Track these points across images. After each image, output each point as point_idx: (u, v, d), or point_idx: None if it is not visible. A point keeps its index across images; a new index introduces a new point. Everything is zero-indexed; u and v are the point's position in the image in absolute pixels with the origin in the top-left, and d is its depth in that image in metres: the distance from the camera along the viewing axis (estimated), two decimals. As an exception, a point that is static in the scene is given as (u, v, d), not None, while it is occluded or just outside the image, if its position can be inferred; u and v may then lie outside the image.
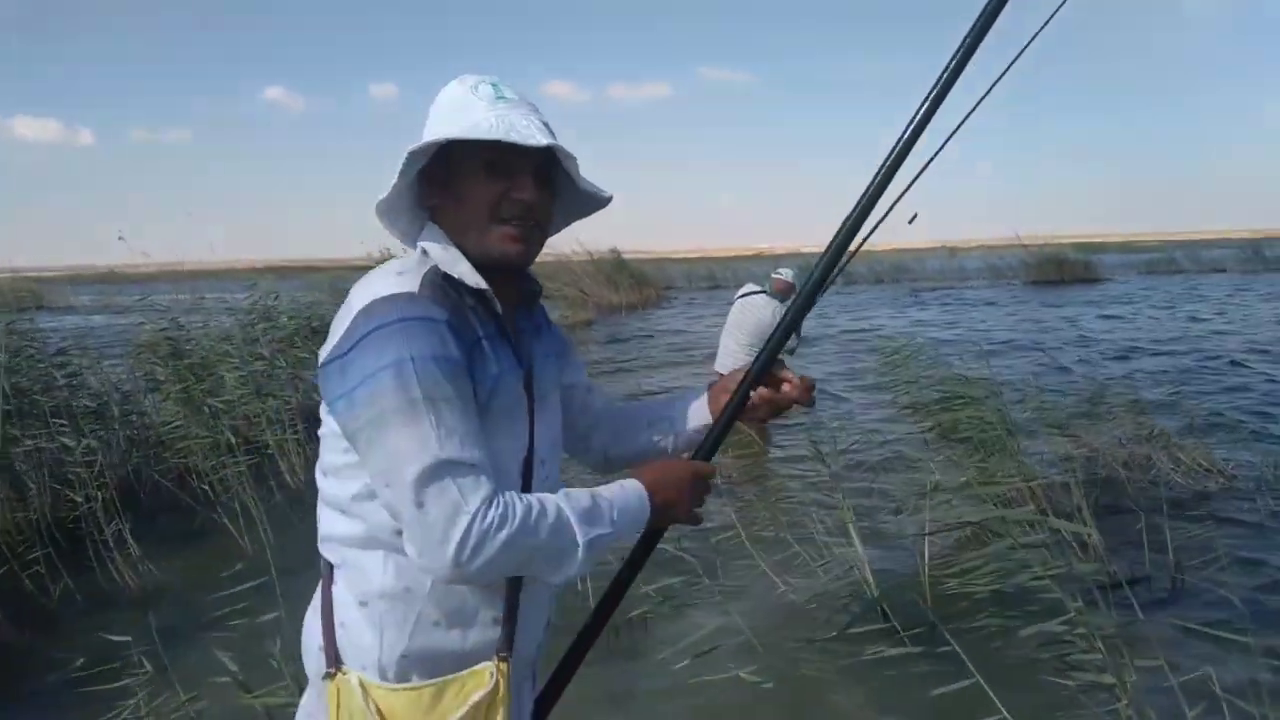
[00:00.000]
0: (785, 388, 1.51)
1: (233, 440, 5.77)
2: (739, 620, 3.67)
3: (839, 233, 1.51)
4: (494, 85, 1.25)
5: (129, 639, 2.93)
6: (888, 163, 1.47)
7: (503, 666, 1.25)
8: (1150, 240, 69.11)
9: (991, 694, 2.44)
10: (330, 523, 1.29)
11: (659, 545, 1.47)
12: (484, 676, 1.24)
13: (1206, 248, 38.30)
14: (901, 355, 6.98)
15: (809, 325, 6.36)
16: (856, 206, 1.49)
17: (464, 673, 1.24)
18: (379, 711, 1.20)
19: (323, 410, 1.24)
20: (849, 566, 3.96)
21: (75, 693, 3.25)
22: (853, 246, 1.50)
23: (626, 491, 1.28)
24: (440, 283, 1.21)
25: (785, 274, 7.07)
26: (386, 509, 1.17)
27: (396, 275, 1.21)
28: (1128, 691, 2.23)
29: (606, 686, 3.17)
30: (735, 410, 1.48)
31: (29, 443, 5.07)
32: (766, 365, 1.49)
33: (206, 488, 5.51)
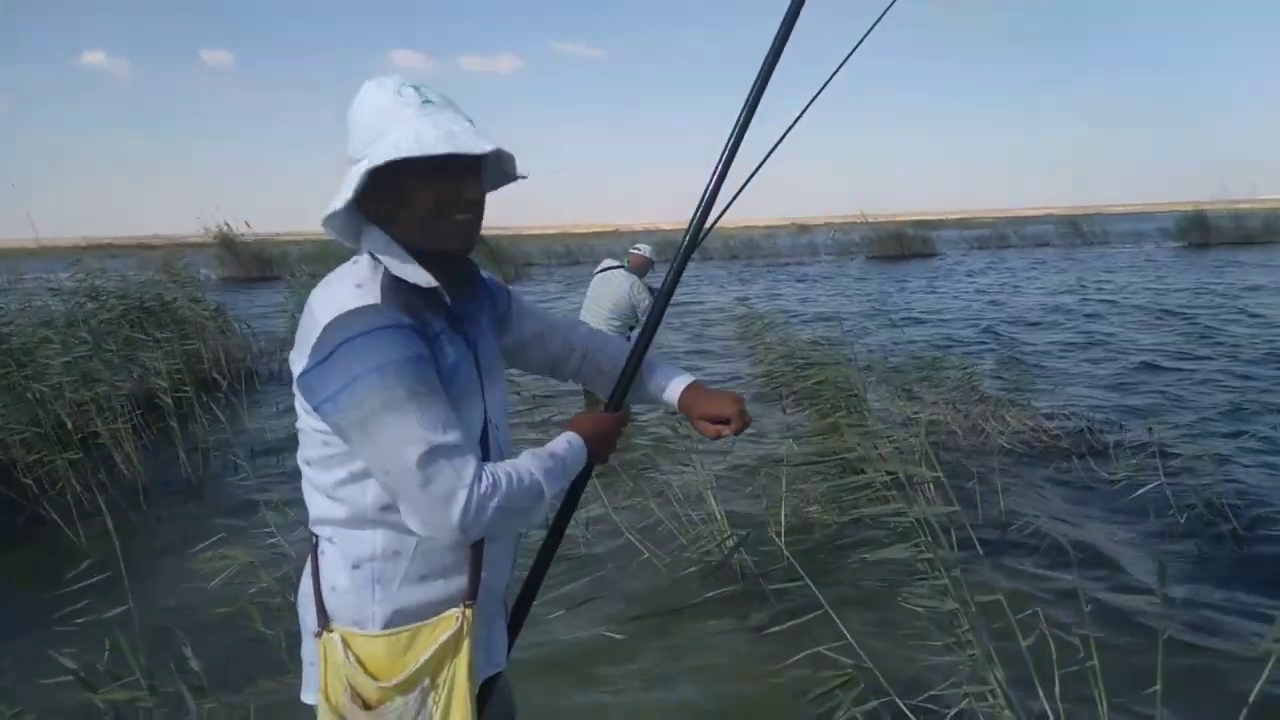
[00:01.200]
0: (726, 430, 1.66)
1: (63, 429, 5.38)
2: (605, 584, 3.73)
3: (695, 214, 1.64)
4: (416, 88, 1.35)
5: None
6: (727, 150, 1.61)
7: (468, 612, 1.41)
8: (986, 217, 73.30)
9: (837, 619, 2.61)
10: (320, 507, 1.43)
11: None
12: (451, 620, 1.40)
13: (1034, 223, 40.91)
14: (755, 326, 7.16)
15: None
16: (706, 190, 1.62)
17: (435, 619, 1.40)
18: (359, 660, 1.38)
19: (299, 409, 1.37)
20: (708, 529, 4.08)
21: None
22: (708, 225, 1.66)
23: (573, 446, 1.49)
24: (396, 287, 1.33)
25: (643, 249, 7.16)
26: (387, 491, 1.32)
27: (356, 288, 1.31)
28: (969, 617, 2.40)
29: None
30: (633, 370, 1.67)
31: None
32: (648, 341, 1.67)
33: (31, 482, 5.11)
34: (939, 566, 2.61)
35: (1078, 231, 35.44)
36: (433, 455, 1.25)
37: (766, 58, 1.62)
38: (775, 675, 3.02)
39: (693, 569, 3.98)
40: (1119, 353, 9.87)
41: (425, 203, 1.35)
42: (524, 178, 1.51)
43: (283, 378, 9.38)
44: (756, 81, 1.64)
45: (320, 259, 18.87)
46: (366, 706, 1.37)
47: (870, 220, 32.63)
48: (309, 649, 1.49)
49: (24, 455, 5.25)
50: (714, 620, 3.57)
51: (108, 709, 2.40)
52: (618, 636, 3.44)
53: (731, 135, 1.62)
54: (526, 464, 1.39)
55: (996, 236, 36.41)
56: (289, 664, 2.99)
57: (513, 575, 1.61)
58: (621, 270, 6.83)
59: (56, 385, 5.69)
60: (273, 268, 23.91)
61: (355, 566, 1.39)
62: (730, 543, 3.96)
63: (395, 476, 1.26)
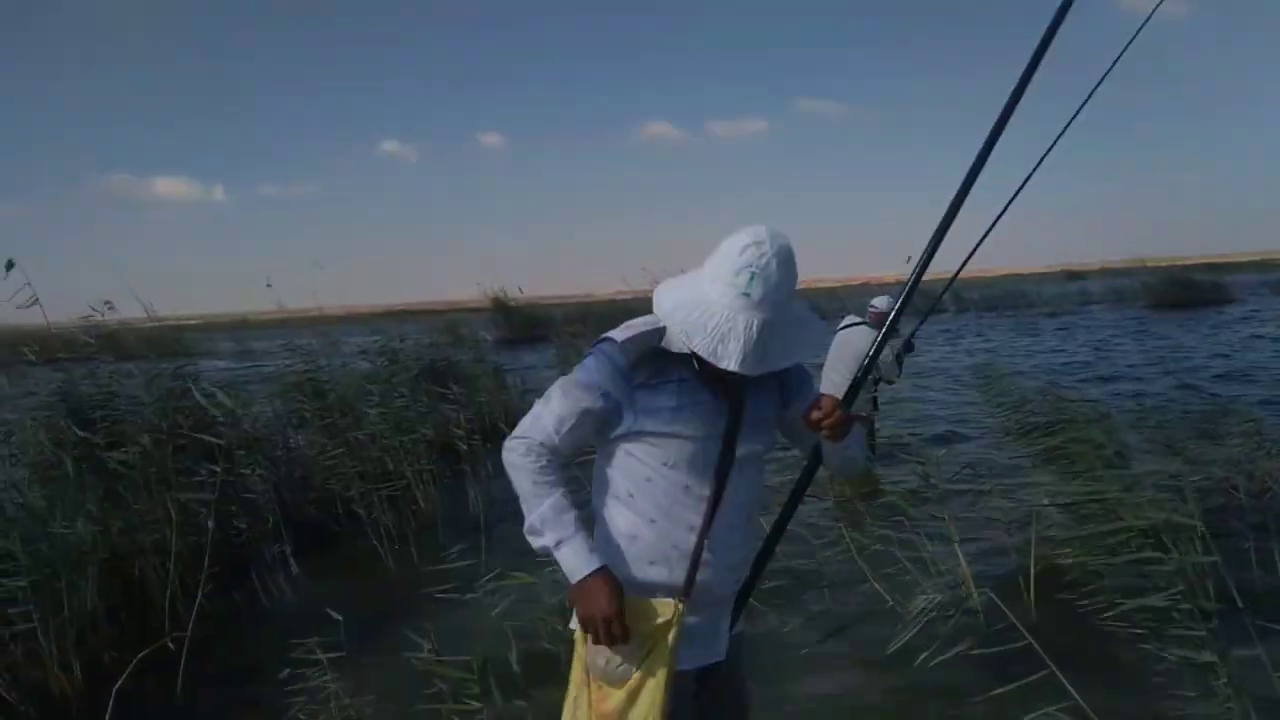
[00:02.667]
0: (814, 414, 1.89)
1: (387, 469, 6.22)
2: (847, 629, 3.87)
3: (916, 267, 1.94)
4: (753, 277, 1.71)
5: (330, 627, 3.29)
6: (954, 204, 1.88)
7: (680, 605, 1.84)
8: (1290, 256, 65.06)
9: (1065, 682, 2.65)
10: (596, 481, 1.99)
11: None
12: (669, 608, 1.84)
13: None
14: (1005, 381, 7.00)
15: (914, 353, 6.56)
16: (930, 242, 1.90)
17: (658, 600, 1.85)
18: None
19: None
20: (954, 581, 4.12)
21: (257, 688, 3.70)
22: (928, 276, 1.97)
23: (580, 555, 1.81)
24: (648, 339, 1.85)
25: (880, 304, 7.15)
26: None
27: (625, 326, 1.89)
28: (1229, 668, 2.36)
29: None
30: (805, 479, 2.06)
31: (200, 475, 5.55)
32: (853, 395, 1.99)
33: (358, 512, 5.98)
34: (1197, 616, 2.59)
35: None
36: (536, 410, 1.88)
37: (1006, 103, 1.85)
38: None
39: (935, 619, 4.02)
40: None
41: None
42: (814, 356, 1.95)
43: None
44: (992, 131, 1.86)
45: (582, 319, 20.14)
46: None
47: (1150, 264, 30.23)
48: None
49: (345, 491, 6.15)
50: (957, 673, 3.57)
51: (444, 683, 2.89)
52: (857, 683, 3.57)
53: (963, 185, 1.87)
54: (558, 493, 1.84)
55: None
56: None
57: (740, 578, 1.99)
58: (863, 327, 6.90)
59: (373, 434, 6.62)
60: (540, 328, 25.48)
61: (605, 539, 1.90)
62: (976, 593, 3.98)
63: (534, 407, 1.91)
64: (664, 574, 1.87)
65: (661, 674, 1.81)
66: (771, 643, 3.97)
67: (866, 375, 2.02)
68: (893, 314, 2.03)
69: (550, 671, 3.54)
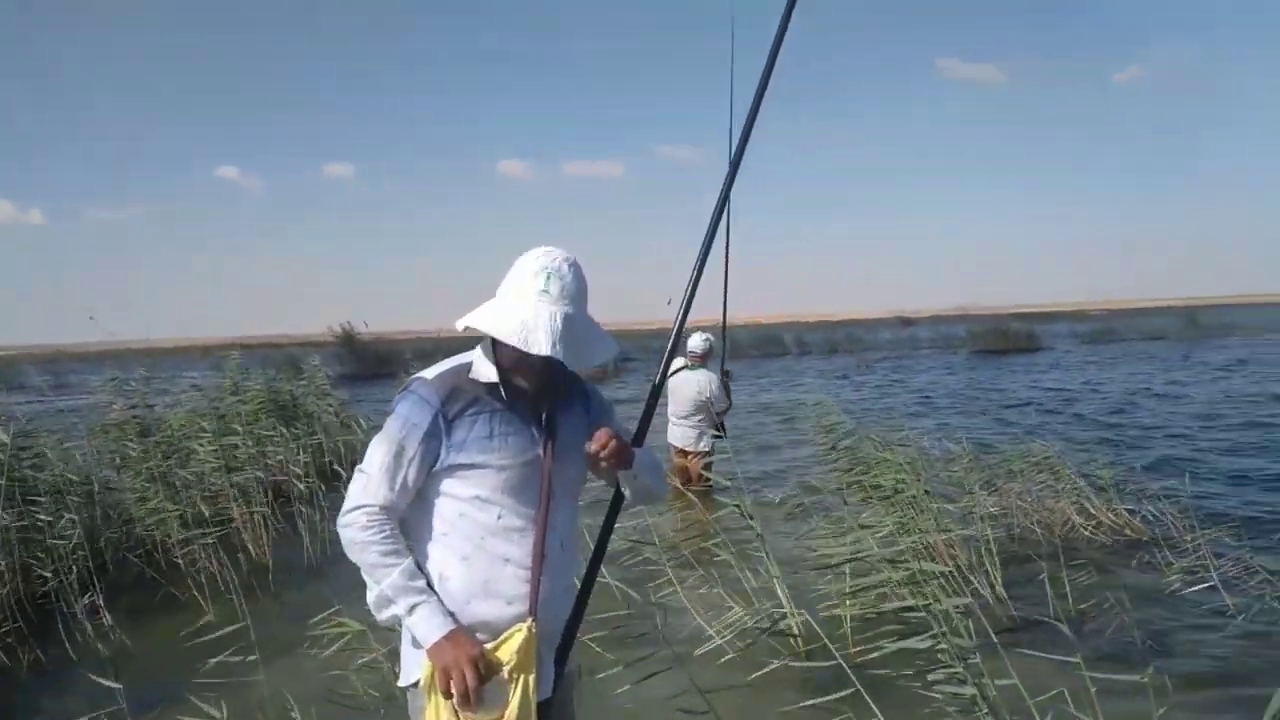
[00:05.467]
0: (592, 447, 1.96)
1: (204, 513, 5.95)
2: (674, 660, 4.00)
3: (677, 316, 2.27)
4: (549, 277, 1.88)
5: (120, 690, 3.13)
6: (703, 250, 2.28)
7: (532, 625, 1.93)
8: (1097, 309, 71.04)
9: (870, 700, 2.87)
10: None
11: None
12: (521, 631, 1.91)
13: (1148, 316, 39.68)
14: (827, 422, 7.34)
15: (739, 398, 6.85)
16: (684, 297, 2.27)
17: (508, 632, 1.92)
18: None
19: None
20: (777, 618, 4.31)
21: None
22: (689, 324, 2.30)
23: (436, 616, 1.88)
24: (458, 373, 1.97)
25: (695, 344, 7.46)
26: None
27: (437, 366, 2.01)
28: (988, 700, 2.62)
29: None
30: (613, 510, 2.16)
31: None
32: (644, 428, 2.17)
33: (179, 560, 5.68)
34: (954, 655, 2.87)
35: (1195, 325, 34.08)
36: (364, 475, 1.92)
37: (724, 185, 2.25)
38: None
39: (757, 650, 4.19)
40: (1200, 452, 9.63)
41: (504, 357, 1.92)
42: (606, 364, 2.10)
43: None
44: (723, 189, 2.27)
45: (431, 356, 19.76)
46: None
47: (972, 313, 32.41)
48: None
49: (167, 536, 5.84)
50: (774, 695, 3.77)
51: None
52: (680, 709, 3.70)
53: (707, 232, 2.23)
54: (405, 563, 1.89)
55: (1106, 330, 35.38)
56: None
57: (562, 620, 2.04)
58: (684, 371, 7.20)
59: (200, 474, 6.34)
60: (389, 364, 24.78)
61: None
62: (792, 624, 4.17)
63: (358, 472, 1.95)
64: (482, 610, 1.91)
65: (530, 696, 1.89)
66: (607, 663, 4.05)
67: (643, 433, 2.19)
68: (670, 344, 2.23)
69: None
